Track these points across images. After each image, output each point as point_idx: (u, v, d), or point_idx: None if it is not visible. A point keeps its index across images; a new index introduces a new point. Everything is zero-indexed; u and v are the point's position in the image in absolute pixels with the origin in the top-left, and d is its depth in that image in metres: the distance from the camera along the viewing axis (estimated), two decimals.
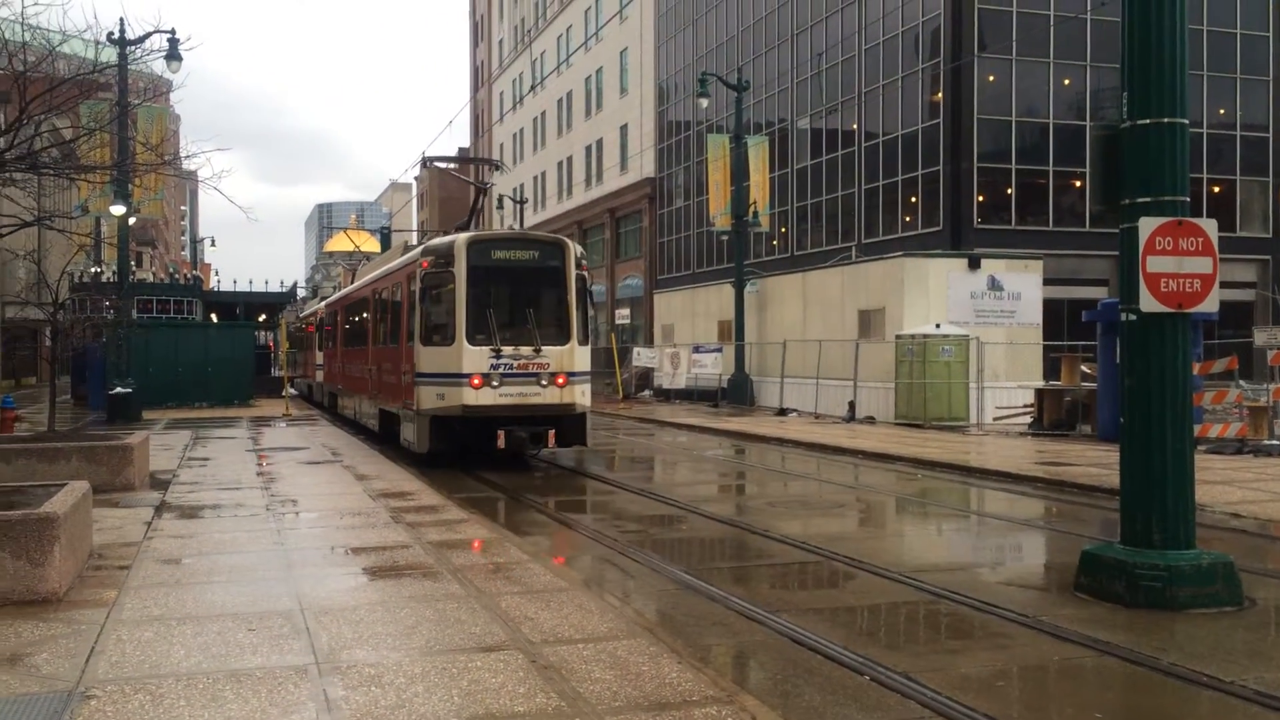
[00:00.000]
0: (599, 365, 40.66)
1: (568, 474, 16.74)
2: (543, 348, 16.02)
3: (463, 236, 16.82)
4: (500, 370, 15.82)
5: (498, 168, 33.62)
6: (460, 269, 15.96)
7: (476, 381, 15.70)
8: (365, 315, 23.12)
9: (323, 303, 36.04)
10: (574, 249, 16.94)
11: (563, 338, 16.32)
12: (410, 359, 16.90)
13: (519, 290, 16.79)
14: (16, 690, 5.23)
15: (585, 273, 17.00)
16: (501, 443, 15.74)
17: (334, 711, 4.93)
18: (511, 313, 16.50)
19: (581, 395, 16.50)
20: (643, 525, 11.60)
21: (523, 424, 15.92)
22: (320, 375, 32.78)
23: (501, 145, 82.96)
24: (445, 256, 16.29)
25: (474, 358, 15.74)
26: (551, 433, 16.17)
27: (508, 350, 15.87)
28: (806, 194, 42.47)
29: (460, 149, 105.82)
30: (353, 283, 28.75)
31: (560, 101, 68.83)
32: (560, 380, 16.11)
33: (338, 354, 27.93)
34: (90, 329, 20.91)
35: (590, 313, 18.11)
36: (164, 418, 26.34)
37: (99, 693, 5.17)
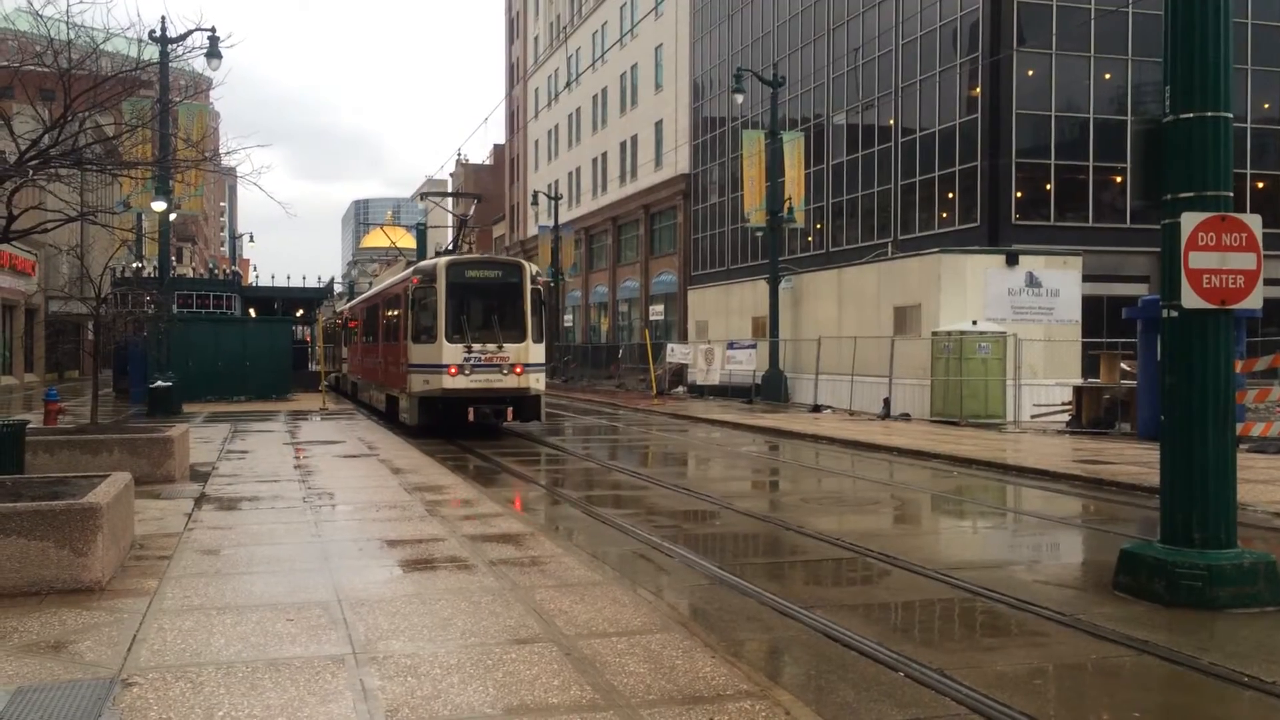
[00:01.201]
0: (633, 361, 41.01)
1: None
2: (504, 345, 20.46)
3: (443, 260, 21.54)
4: (471, 362, 20.29)
5: (478, 199, 40.49)
6: (441, 285, 20.48)
7: (453, 370, 20.23)
8: (375, 318, 27.70)
9: (348, 304, 40.21)
10: (530, 268, 21.35)
11: (520, 337, 20.68)
12: (405, 353, 21.37)
13: (486, 301, 21.10)
14: (61, 677, 5.33)
15: (539, 286, 21.43)
16: (471, 417, 20.16)
17: (370, 701, 4.98)
18: (480, 318, 20.86)
19: (535, 381, 20.86)
20: (676, 520, 11.61)
21: (488, 403, 20.31)
22: (345, 368, 36.81)
23: (536, 141, 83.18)
24: (430, 275, 20.91)
25: (451, 352, 20.18)
26: (510, 410, 20.60)
27: (477, 347, 20.34)
28: (842, 190, 42.25)
29: (495, 145, 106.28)
30: (370, 290, 34.12)
31: (595, 98, 68.90)
32: (518, 370, 20.57)
33: (357, 350, 32.13)
34: (131, 323, 21.22)
35: (543, 317, 22.35)
36: (203, 411, 26.68)
37: (140, 680, 5.26)
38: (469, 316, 20.65)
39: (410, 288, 21.34)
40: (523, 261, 22.08)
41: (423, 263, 24.07)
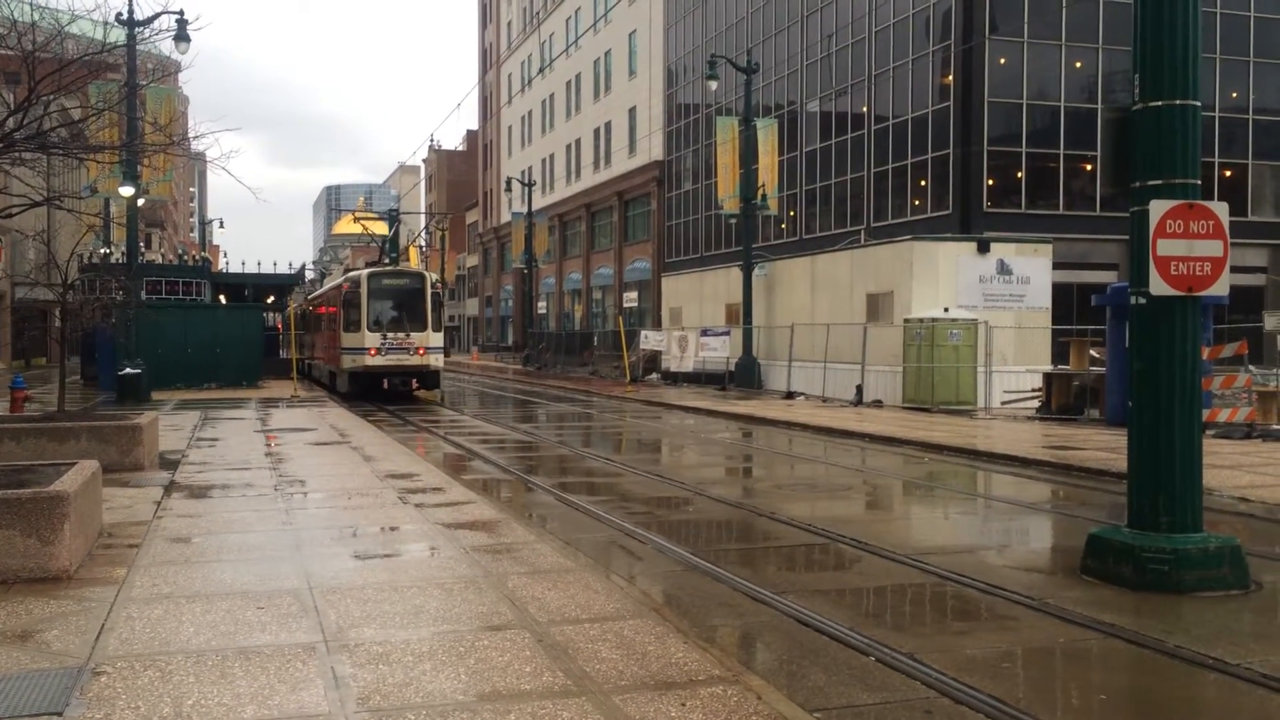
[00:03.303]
0: (607, 348, 41.42)
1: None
2: (410, 333, 27.15)
3: (366, 270, 28.99)
4: (386, 346, 26.92)
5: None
6: (364, 289, 27.35)
7: (373, 351, 26.91)
8: (320, 313, 34.81)
9: (305, 299, 46.28)
10: (430, 276, 28.85)
11: (422, 328, 27.34)
12: (339, 339, 28.32)
13: (397, 301, 27.83)
14: (27, 666, 5.28)
15: (438, 290, 29.22)
16: (386, 386, 27.19)
17: (342, 688, 4.97)
18: (393, 313, 27.63)
19: (435, 360, 27.72)
20: (649, 507, 11.62)
21: (399, 375, 27.22)
22: (304, 352, 41.48)
23: (510, 127, 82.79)
24: (357, 282, 27.94)
25: (372, 338, 26.93)
26: (414, 381, 27.81)
27: (390, 335, 27.01)
28: (815, 177, 42.34)
29: (469, 131, 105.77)
30: (318, 290, 42.55)
31: (569, 84, 68.65)
32: (420, 351, 27.23)
33: (309, 336, 38.57)
34: (99, 310, 20.94)
35: (441, 313, 29.82)
36: (173, 398, 26.44)
37: (109, 669, 5.22)
38: (384, 312, 27.49)
39: (343, 291, 28.59)
40: (425, 271, 30.05)
41: (351, 272, 32.06)
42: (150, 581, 7.06)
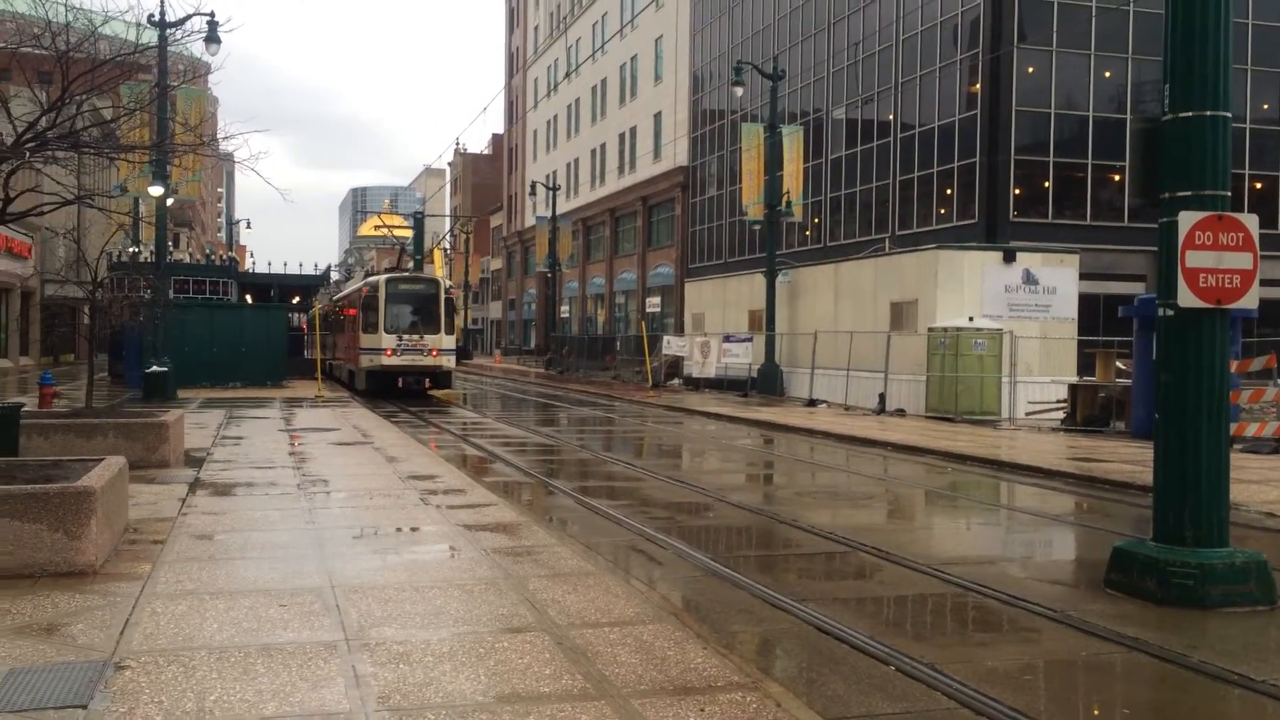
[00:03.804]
0: (629, 353, 41.58)
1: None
2: (424, 336, 29.03)
3: (384, 276, 31.04)
4: (401, 347, 28.71)
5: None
6: (381, 294, 29.20)
7: (389, 352, 28.67)
8: (342, 315, 36.34)
9: (328, 301, 47.96)
10: (444, 283, 31.21)
11: (436, 331, 29.29)
12: (358, 340, 29.99)
13: (413, 305, 29.67)
14: (53, 659, 5.33)
15: (451, 296, 31.22)
16: (400, 384, 29.01)
17: (362, 687, 4.99)
18: (409, 317, 29.37)
19: (447, 361, 29.58)
20: (670, 512, 11.62)
21: (413, 375, 29.04)
22: (325, 352, 43.01)
23: (535, 131, 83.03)
24: (374, 286, 29.94)
25: (388, 340, 28.73)
26: (428, 380, 29.50)
27: (405, 337, 28.84)
28: (840, 184, 42.24)
29: (494, 135, 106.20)
30: (340, 293, 44.47)
31: (594, 88, 68.79)
32: (434, 353, 29.06)
33: (331, 336, 39.81)
34: (127, 308, 21.15)
35: (454, 317, 31.79)
36: (198, 397, 26.65)
37: (133, 663, 5.26)
38: (400, 316, 29.25)
39: (363, 294, 30.75)
40: (439, 278, 32.43)
41: (370, 277, 34.18)
42: (175, 577, 7.12)
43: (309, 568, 7.52)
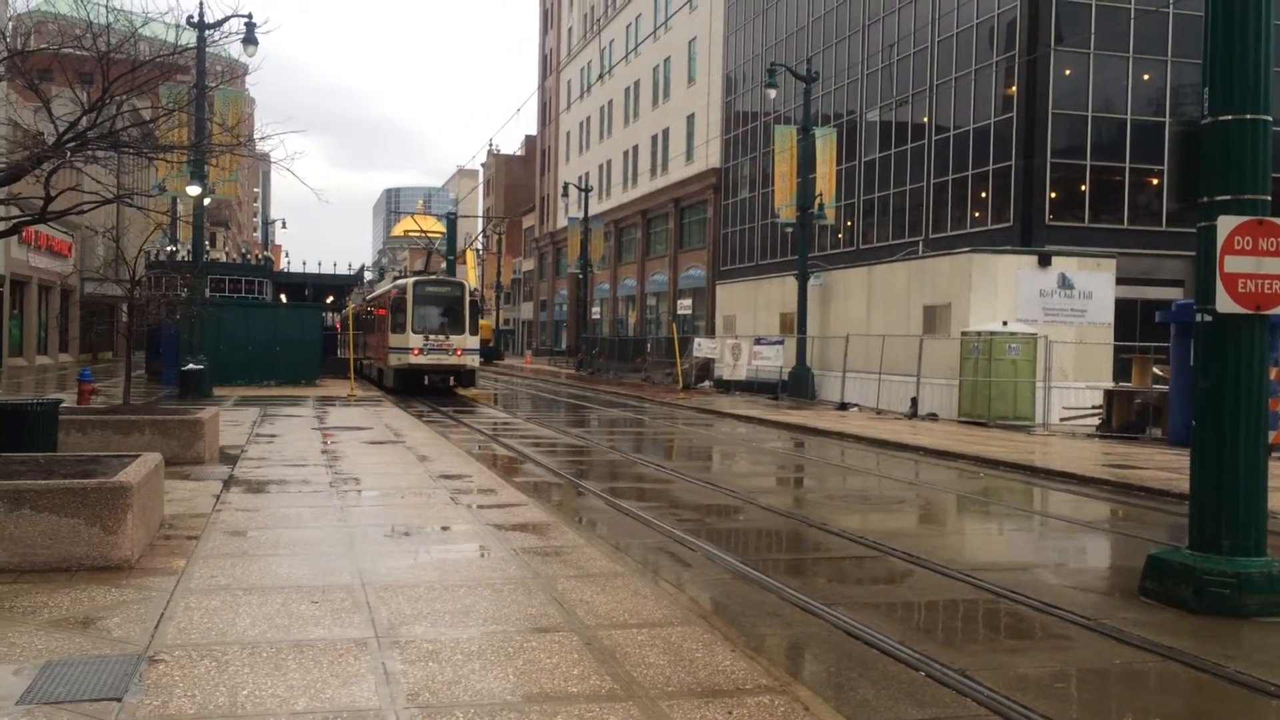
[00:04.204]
0: (660, 355, 41.78)
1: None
2: (450, 336, 30.55)
3: (412, 279, 32.54)
4: (428, 346, 30.25)
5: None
6: (409, 296, 30.83)
7: (416, 351, 30.17)
8: (372, 315, 38.19)
9: (360, 302, 49.60)
10: (468, 286, 32.98)
11: (460, 331, 30.83)
12: (388, 340, 31.85)
13: (439, 307, 31.16)
14: (89, 652, 5.41)
15: (475, 298, 32.68)
16: (426, 382, 30.50)
17: (392, 684, 5.02)
18: (435, 318, 30.85)
19: (471, 360, 31.10)
20: (699, 514, 11.60)
21: (438, 373, 30.60)
22: (358, 351, 44.35)
23: (568, 133, 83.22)
24: (403, 289, 31.63)
25: (415, 340, 30.21)
26: (452, 378, 31.08)
27: (431, 337, 30.36)
28: (874, 187, 42.01)
29: (527, 136, 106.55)
30: (372, 294, 46.53)
31: (628, 90, 68.83)
32: (458, 352, 30.60)
33: (364, 336, 40.79)
34: (165, 306, 21.40)
35: (479, 318, 33.74)
36: (233, 395, 26.92)
37: (167, 657, 5.33)
38: (427, 317, 30.71)
39: (392, 296, 32.41)
40: (464, 282, 34.33)
41: (399, 280, 36.22)
42: (208, 573, 7.20)
43: (340, 565, 7.58)
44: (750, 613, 7.18)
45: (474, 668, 5.28)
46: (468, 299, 31.48)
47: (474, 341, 31.54)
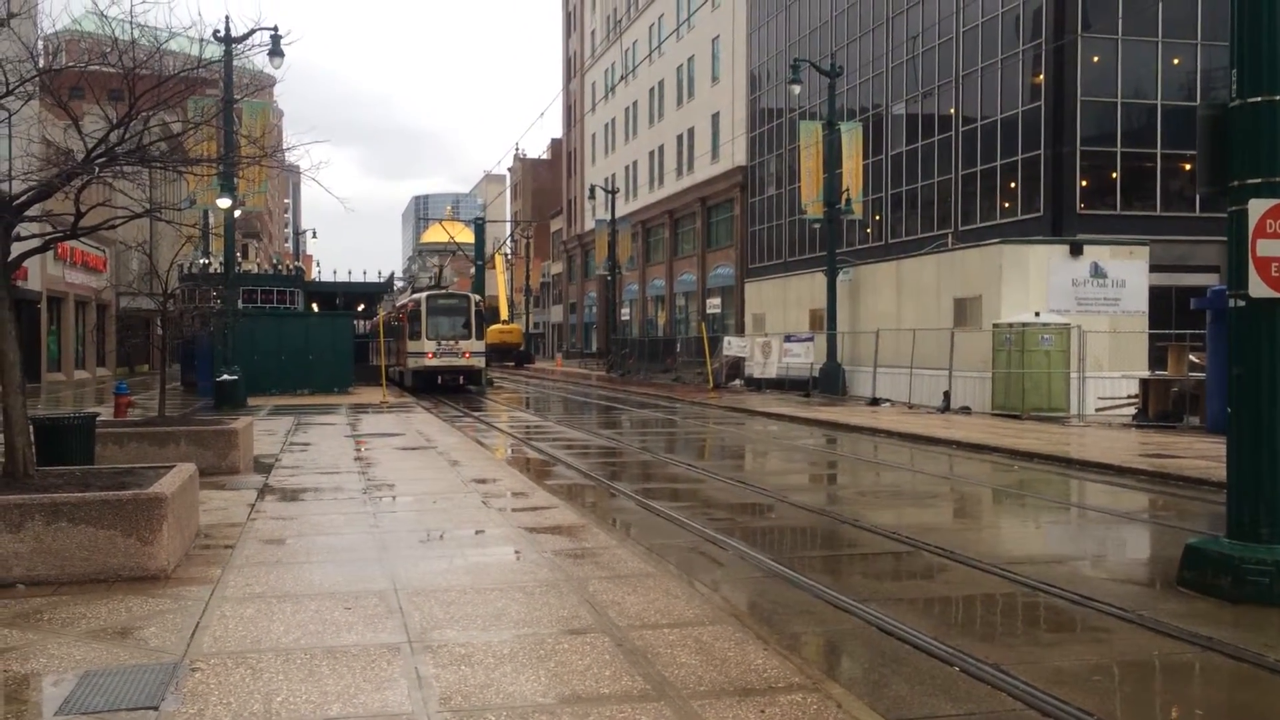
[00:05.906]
0: (690, 354, 42.03)
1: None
2: (459, 341, 35.99)
3: (425, 293, 38.37)
4: (441, 350, 35.70)
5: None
6: (424, 308, 36.31)
7: (430, 355, 35.69)
8: (398, 323, 41.58)
9: (393, 307, 52.93)
10: (474, 298, 38.54)
11: (468, 337, 36.38)
12: (406, 345, 37.36)
13: (450, 316, 36.51)
14: (126, 661, 5.47)
15: (481, 308, 38.21)
16: (440, 381, 35.93)
17: (425, 689, 5.04)
18: (447, 326, 36.22)
19: (478, 362, 36.88)
20: (731, 513, 11.57)
21: (450, 374, 36.06)
22: (389, 358, 48.09)
23: (593, 135, 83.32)
24: (418, 302, 37.15)
25: (430, 345, 35.69)
26: (462, 378, 36.49)
27: (444, 342, 35.74)
28: (901, 181, 41.76)
29: (553, 139, 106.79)
30: (395, 304, 49.79)
31: (652, 90, 68.82)
32: (467, 355, 36.18)
33: (390, 343, 43.88)
34: (198, 318, 21.63)
35: (483, 324, 38.91)
36: (267, 404, 27.16)
37: (203, 665, 5.38)
38: (440, 325, 36.02)
39: (409, 307, 38.33)
40: (470, 294, 39.68)
41: (414, 294, 42.20)
42: (243, 581, 7.26)
43: (373, 571, 7.62)
44: (782, 611, 7.15)
45: (506, 670, 5.29)
46: (473, 309, 37.04)
47: (480, 345, 37.23)
